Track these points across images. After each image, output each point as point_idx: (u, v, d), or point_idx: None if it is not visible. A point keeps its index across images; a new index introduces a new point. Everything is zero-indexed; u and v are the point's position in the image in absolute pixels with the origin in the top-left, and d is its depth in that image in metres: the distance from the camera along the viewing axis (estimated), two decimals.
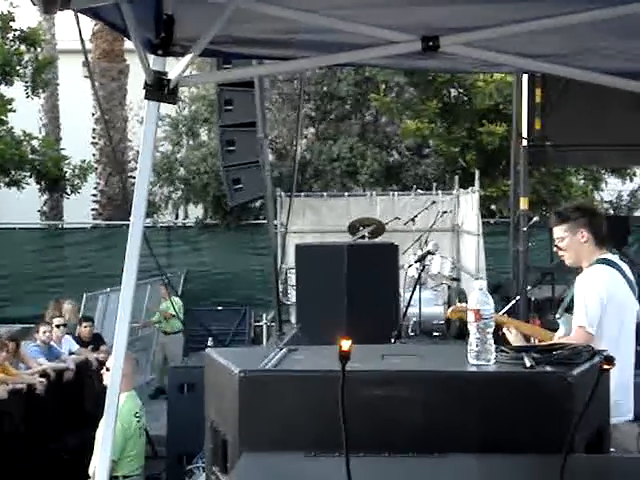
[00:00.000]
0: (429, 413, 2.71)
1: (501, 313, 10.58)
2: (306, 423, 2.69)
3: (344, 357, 2.03)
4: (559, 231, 4.40)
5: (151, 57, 2.53)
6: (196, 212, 16.35)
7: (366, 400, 2.74)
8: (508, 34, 2.31)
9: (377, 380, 2.78)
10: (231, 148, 9.19)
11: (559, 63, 2.48)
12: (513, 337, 4.30)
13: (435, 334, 10.55)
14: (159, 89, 2.42)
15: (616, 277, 4.31)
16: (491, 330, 3.01)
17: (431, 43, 2.28)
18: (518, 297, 10.57)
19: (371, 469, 2.33)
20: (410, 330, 11.00)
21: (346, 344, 2.01)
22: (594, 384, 2.08)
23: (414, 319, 10.98)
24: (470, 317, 3.02)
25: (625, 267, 4.44)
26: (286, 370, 2.87)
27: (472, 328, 3.00)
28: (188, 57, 2.46)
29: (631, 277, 4.40)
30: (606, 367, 2.11)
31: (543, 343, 3.95)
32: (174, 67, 2.52)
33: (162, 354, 12.49)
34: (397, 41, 2.38)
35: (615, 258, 4.41)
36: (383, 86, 14.43)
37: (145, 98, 2.52)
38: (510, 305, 10.85)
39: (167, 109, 15.06)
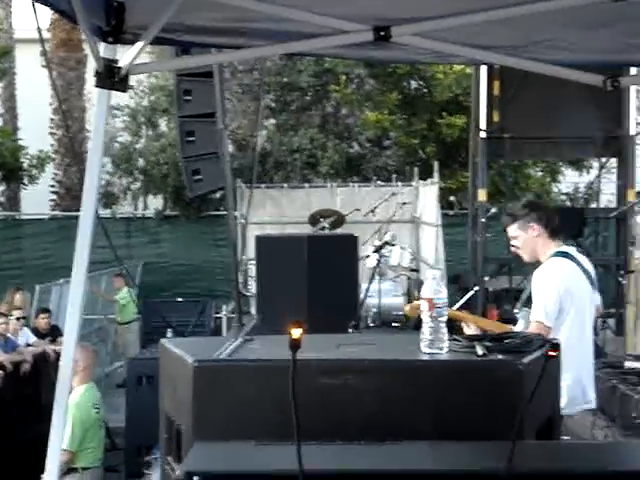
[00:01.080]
0: (382, 401, 2.73)
1: (459, 304, 10.77)
2: (260, 412, 2.69)
3: (294, 345, 2.04)
4: (512, 230, 4.47)
5: (102, 45, 2.51)
6: (155, 203, 16.25)
7: (320, 388, 2.75)
8: (459, 25, 2.33)
9: (331, 369, 2.79)
10: (190, 139, 9.15)
11: (510, 54, 2.51)
12: (472, 332, 4.34)
13: (394, 325, 10.62)
14: (110, 77, 2.41)
15: (574, 270, 4.37)
16: (444, 319, 3.04)
17: (383, 33, 2.29)
18: (476, 288, 10.69)
19: (323, 457, 2.34)
20: (370, 321, 11.06)
21: (296, 332, 2.02)
22: (540, 371, 2.11)
23: (374, 310, 11.05)
24: (423, 306, 3.05)
25: (583, 259, 4.50)
26: (240, 360, 2.87)
27: (425, 317, 3.03)
28: (139, 45, 2.44)
29: (589, 269, 4.46)
30: (552, 354, 2.14)
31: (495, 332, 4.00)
32: (124, 55, 2.50)
33: (117, 345, 12.48)
34: (349, 31, 2.38)
35: (572, 250, 4.47)
36: (343, 77, 14.44)
37: (95, 86, 2.50)
38: (468, 296, 10.97)
39: (126, 99, 14.94)
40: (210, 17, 2.46)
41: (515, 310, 4.74)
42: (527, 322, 4.35)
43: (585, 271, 4.43)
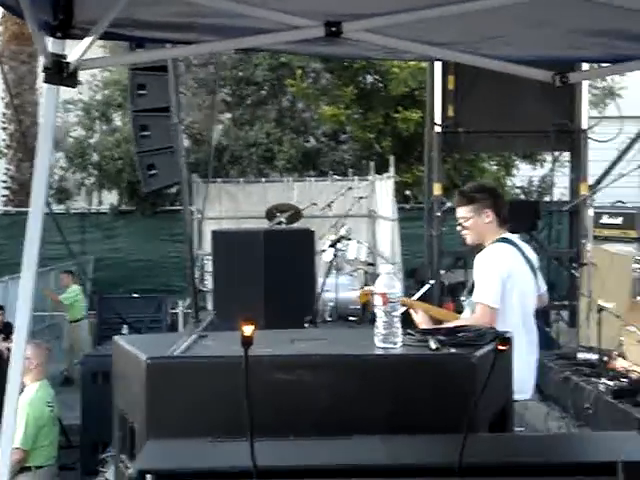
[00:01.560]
0: (336, 396, 2.74)
1: (416, 297, 10.82)
2: (214, 409, 2.69)
3: (246, 343, 2.03)
4: (464, 211, 4.48)
5: (50, 40, 2.47)
6: (110, 198, 16.09)
7: (274, 384, 2.75)
8: (410, 21, 2.34)
9: (285, 364, 2.79)
10: (145, 133, 9.07)
11: (461, 51, 2.52)
12: (420, 318, 4.35)
13: (351, 319, 10.66)
14: (58, 72, 2.38)
15: (515, 255, 4.43)
16: (398, 313, 3.05)
17: (334, 29, 2.29)
18: (432, 281, 10.77)
19: (276, 452, 2.34)
20: (327, 315, 11.09)
21: (248, 329, 2.01)
22: (491, 365, 2.13)
23: (331, 304, 11.08)
24: (377, 301, 3.06)
25: (525, 247, 4.56)
26: (194, 356, 2.86)
27: (379, 312, 3.04)
28: (88, 40, 2.41)
29: (531, 257, 4.52)
30: (502, 348, 2.16)
31: (448, 325, 4.03)
32: (73, 50, 2.47)
33: (69, 342, 12.35)
34: (300, 26, 2.38)
35: (515, 237, 4.53)
36: (299, 72, 14.42)
37: (44, 82, 2.47)
38: (424, 289, 11.04)
39: (78, 93, 14.76)
40: (160, 12, 2.43)
41: (462, 298, 4.79)
42: (472, 309, 4.39)
43: (527, 258, 4.48)
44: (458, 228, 4.58)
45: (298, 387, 2.76)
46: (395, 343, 3.01)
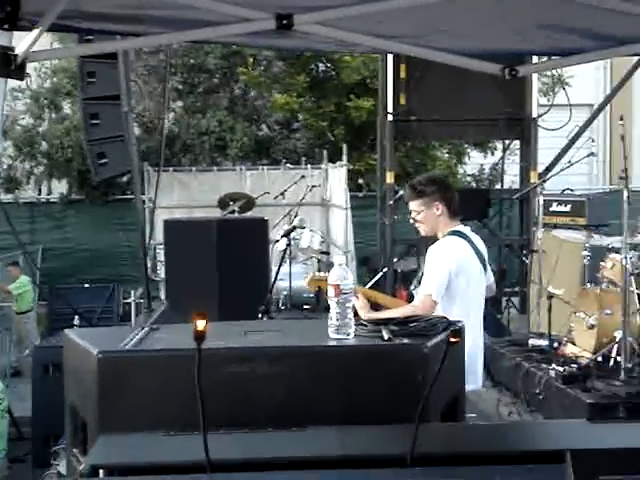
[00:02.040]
0: (290, 388, 2.74)
1: (369, 285, 10.88)
2: (166, 403, 2.67)
3: (199, 337, 2.03)
4: (415, 205, 4.55)
5: None
6: (60, 187, 15.87)
7: (227, 377, 2.75)
8: (360, 14, 2.34)
9: (238, 357, 2.79)
10: (95, 122, 8.96)
11: (411, 44, 2.54)
12: (359, 305, 4.37)
13: (305, 307, 10.69)
14: (6, 65, 2.34)
15: (466, 249, 4.50)
16: (351, 304, 3.07)
17: (285, 21, 2.28)
18: (385, 269, 10.83)
19: (230, 445, 2.34)
20: (281, 304, 11.10)
21: (201, 324, 2.01)
22: (442, 356, 2.15)
23: (285, 293, 11.09)
24: (330, 292, 3.08)
25: (476, 239, 4.62)
26: (146, 350, 2.84)
27: (332, 303, 3.06)
28: (35, 32, 2.37)
29: (481, 249, 4.59)
30: (453, 340, 2.19)
31: (398, 312, 4.06)
32: (21, 42, 2.43)
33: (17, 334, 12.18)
34: (251, 19, 2.37)
35: (467, 230, 4.59)
36: (251, 60, 14.35)
37: None
38: (377, 277, 11.10)
39: (26, 81, 14.51)
40: (108, 4, 2.40)
41: (412, 287, 4.85)
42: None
43: (477, 250, 4.55)
44: (411, 220, 4.64)
45: (252, 379, 2.76)
46: (348, 334, 3.02)
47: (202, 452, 2.12)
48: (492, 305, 5.20)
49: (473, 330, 4.47)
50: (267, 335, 3.16)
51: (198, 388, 2.07)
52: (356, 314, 3.36)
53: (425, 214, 4.51)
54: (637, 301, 6.89)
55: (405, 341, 2.94)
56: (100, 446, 2.41)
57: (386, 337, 2.96)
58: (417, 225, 4.61)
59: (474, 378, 4.47)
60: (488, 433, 2.46)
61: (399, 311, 4.18)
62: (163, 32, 2.34)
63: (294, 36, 2.43)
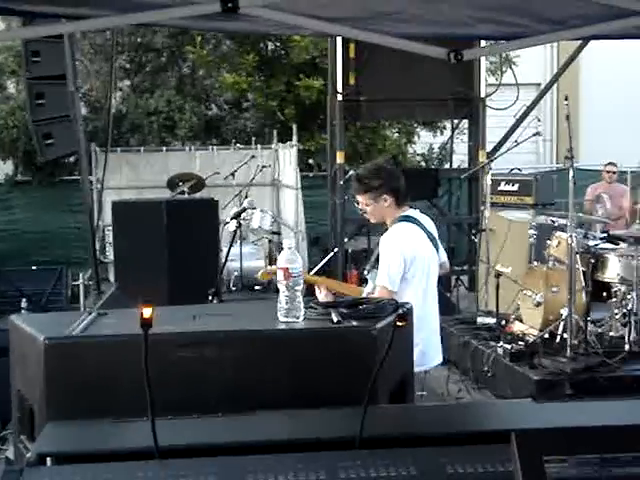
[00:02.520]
0: (239, 372, 2.75)
1: (320, 265, 10.90)
2: (115, 389, 2.66)
3: (145, 324, 2.01)
4: (362, 198, 4.58)
5: None
6: (5, 168, 15.58)
7: (176, 362, 2.75)
8: None
9: (187, 341, 2.78)
10: (40, 101, 8.80)
11: (356, 27, 2.53)
12: (323, 297, 4.43)
13: (256, 288, 10.70)
14: None
15: (417, 233, 4.54)
16: (300, 288, 3.08)
17: (230, 5, 2.26)
18: (336, 249, 10.86)
19: (179, 431, 2.34)
20: (232, 285, 11.09)
21: (147, 312, 1.99)
22: (389, 339, 2.17)
23: (236, 274, 11.08)
24: (279, 275, 3.08)
25: (426, 220, 4.67)
26: (93, 335, 2.82)
27: (281, 286, 3.07)
28: None
29: (432, 230, 4.66)
30: (399, 324, 2.21)
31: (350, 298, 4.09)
32: None
33: None
34: (196, 2, 2.34)
35: (416, 213, 4.64)
36: (199, 39, 14.19)
37: None
38: (328, 257, 11.13)
39: None
40: None
41: (365, 272, 4.88)
42: (375, 283, 4.50)
43: (428, 232, 4.61)
44: (359, 211, 4.68)
45: (201, 364, 2.76)
46: (298, 317, 3.04)
47: (151, 438, 2.12)
48: (441, 283, 5.24)
49: (428, 311, 4.53)
50: (216, 319, 3.16)
51: (146, 377, 2.06)
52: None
53: (373, 207, 4.56)
54: (582, 279, 7.02)
55: (354, 324, 2.97)
56: (47, 433, 2.39)
57: (335, 320, 2.98)
58: (366, 215, 4.66)
59: (428, 358, 4.54)
60: (435, 414, 2.49)
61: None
62: (107, 15, 2.30)
63: (240, 19, 2.41)
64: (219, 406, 2.61)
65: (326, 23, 2.46)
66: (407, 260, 4.40)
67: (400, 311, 2.75)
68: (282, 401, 2.68)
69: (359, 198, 4.60)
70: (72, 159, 12.63)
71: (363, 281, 5.09)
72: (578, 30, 2.71)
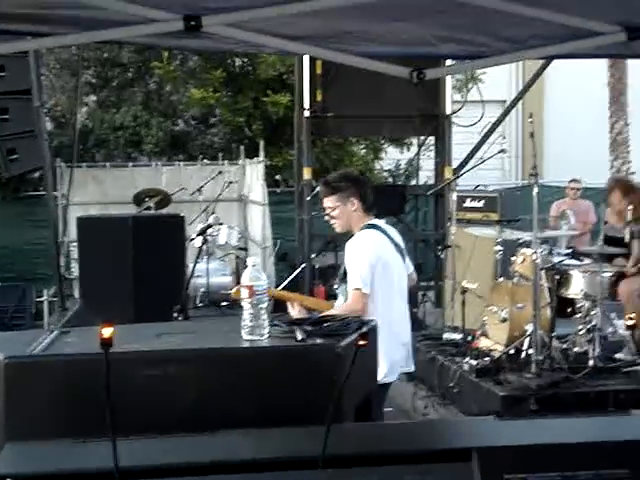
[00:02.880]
0: (203, 391, 2.73)
1: (287, 281, 10.87)
2: (75, 409, 2.63)
3: (105, 344, 2.00)
4: (330, 201, 4.62)
5: None
6: None
7: (139, 381, 2.72)
8: (269, 16, 2.34)
9: (150, 360, 2.76)
10: (5, 117, 8.72)
11: (317, 45, 2.55)
12: (296, 313, 4.43)
13: (223, 304, 10.65)
14: None
15: (383, 240, 4.58)
16: (264, 305, 3.07)
17: (193, 23, 2.26)
18: (303, 265, 10.85)
19: (140, 452, 2.31)
20: (198, 301, 11.04)
21: (107, 331, 1.97)
22: (352, 359, 2.17)
23: (202, 290, 11.03)
24: (243, 293, 3.07)
25: (392, 231, 4.72)
26: (54, 355, 2.78)
27: (245, 304, 3.05)
28: None
29: (398, 240, 4.70)
30: (361, 343, 2.21)
31: (317, 315, 4.09)
32: None
33: None
34: (158, 20, 2.34)
35: (381, 223, 4.68)
36: (166, 54, 14.17)
37: None
38: (295, 273, 11.11)
39: None
40: (10, 3, 2.33)
41: (335, 286, 4.89)
42: (345, 297, 4.51)
43: (394, 242, 4.63)
44: (326, 217, 4.69)
45: (164, 383, 2.73)
46: (262, 335, 3.02)
47: (111, 459, 2.09)
48: (409, 300, 5.26)
49: (397, 319, 4.54)
50: (180, 337, 3.14)
51: (107, 397, 2.03)
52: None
53: (340, 210, 4.58)
54: (547, 295, 7.07)
55: (318, 341, 2.96)
56: (6, 454, 2.36)
57: (299, 338, 2.97)
58: (332, 222, 4.68)
59: (398, 368, 4.56)
60: (398, 432, 2.49)
61: (336, 312, 4.20)
62: (70, 32, 2.29)
63: (203, 37, 2.41)
64: (182, 425, 2.59)
65: (289, 42, 2.47)
66: (372, 265, 4.43)
67: (364, 329, 2.74)
68: (246, 420, 2.66)
69: (327, 202, 4.64)
70: (37, 174, 12.53)
71: (332, 296, 5.09)
72: (540, 49, 2.74)
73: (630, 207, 7.10)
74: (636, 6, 2.51)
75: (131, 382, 2.67)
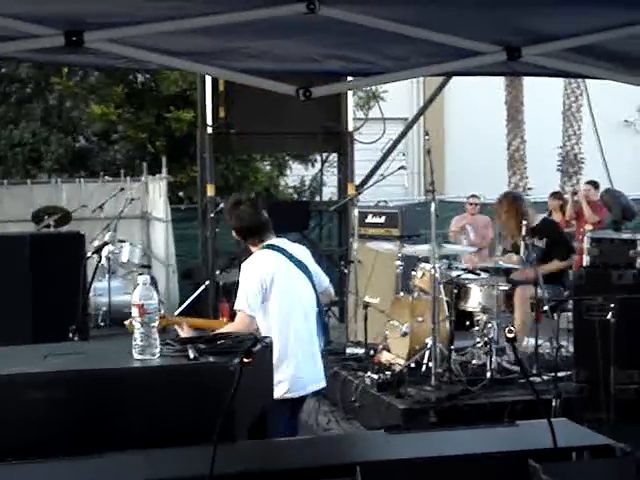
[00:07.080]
0: (90, 412, 2.69)
1: (191, 299, 10.75)
2: None
3: None
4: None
5: None
6: None
7: (26, 403, 2.66)
8: (152, 32, 2.33)
9: (36, 382, 2.70)
10: None
11: (204, 62, 2.54)
12: (185, 334, 4.41)
13: (126, 323, 10.47)
14: None
15: (277, 259, 4.59)
16: (155, 324, 3.04)
17: (75, 38, 2.23)
18: (207, 282, 10.79)
19: (23, 476, 2.25)
20: (100, 320, 10.83)
21: None
22: (237, 376, 2.16)
23: (104, 309, 10.83)
24: (134, 312, 3.03)
25: (295, 248, 4.75)
26: None
27: (136, 324, 3.02)
28: None
29: (301, 257, 4.70)
30: (246, 361, 2.20)
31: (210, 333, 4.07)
32: None
33: None
34: (39, 35, 2.29)
35: (281, 242, 4.70)
36: (66, 70, 13.91)
37: None
38: (200, 290, 11.03)
39: None
40: None
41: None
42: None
43: (294, 259, 4.64)
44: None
45: (51, 405, 2.67)
46: (154, 354, 2.99)
47: None
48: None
49: (298, 335, 4.54)
50: (69, 358, 3.07)
51: None
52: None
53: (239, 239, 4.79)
54: (446, 308, 7.19)
55: (211, 359, 2.94)
56: None
57: (192, 356, 2.95)
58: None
59: (303, 384, 4.57)
60: (287, 449, 2.49)
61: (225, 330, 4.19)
62: None
63: (87, 52, 2.38)
64: (69, 449, 2.54)
65: (174, 58, 2.46)
66: (265, 282, 4.46)
67: (253, 346, 2.73)
68: (135, 441, 2.62)
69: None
70: None
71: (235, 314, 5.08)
72: (425, 68, 2.79)
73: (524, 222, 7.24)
74: (515, 27, 2.59)
75: (15, 405, 2.61)
